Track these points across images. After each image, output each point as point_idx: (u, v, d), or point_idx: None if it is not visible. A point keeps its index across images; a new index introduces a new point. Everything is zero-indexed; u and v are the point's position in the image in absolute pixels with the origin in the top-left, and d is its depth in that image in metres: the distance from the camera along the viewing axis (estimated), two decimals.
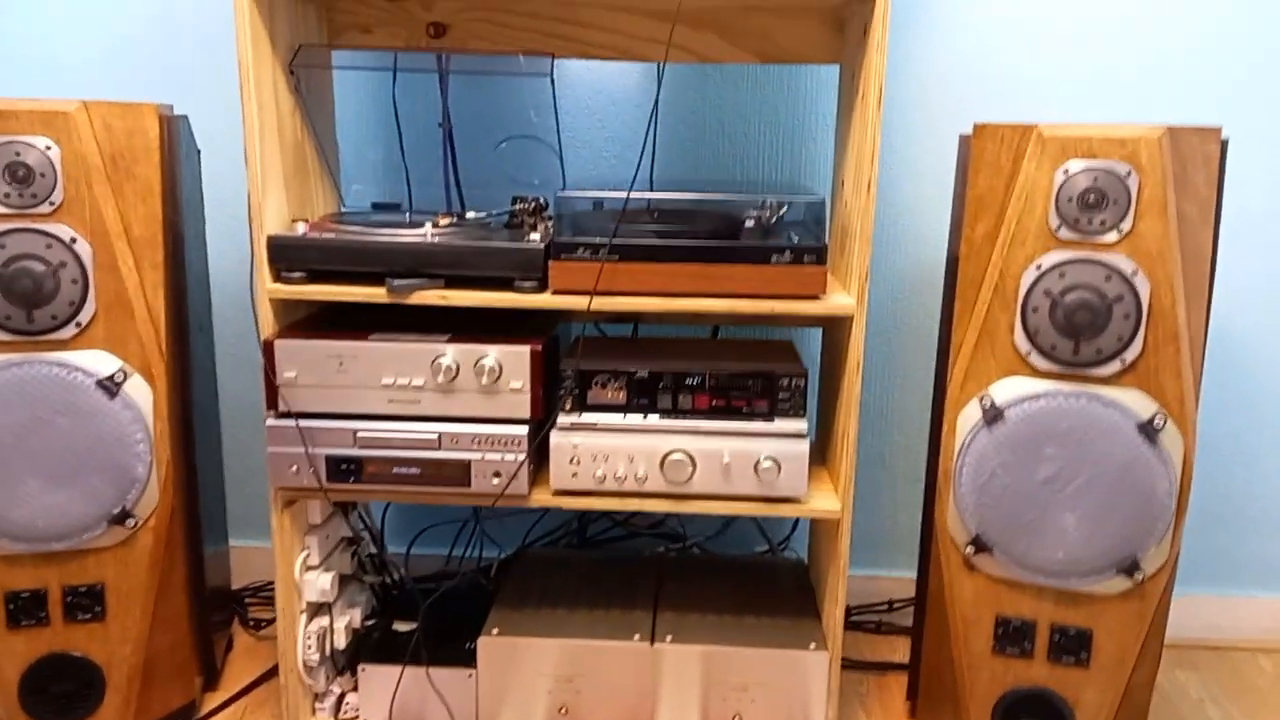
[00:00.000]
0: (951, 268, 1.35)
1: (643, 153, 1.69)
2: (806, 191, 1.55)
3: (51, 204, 1.31)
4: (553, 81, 1.39)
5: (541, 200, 1.57)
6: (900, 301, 1.79)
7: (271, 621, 1.80)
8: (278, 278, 1.40)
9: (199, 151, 1.60)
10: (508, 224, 1.52)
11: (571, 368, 1.41)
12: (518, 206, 1.54)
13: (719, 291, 1.36)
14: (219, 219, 1.79)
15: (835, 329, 1.53)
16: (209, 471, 1.60)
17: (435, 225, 1.41)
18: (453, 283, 1.39)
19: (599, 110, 1.73)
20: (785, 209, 1.39)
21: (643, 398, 1.42)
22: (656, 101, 1.69)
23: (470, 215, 1.44)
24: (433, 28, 1.57)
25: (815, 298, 1.35)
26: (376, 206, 1.65)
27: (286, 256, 1.38)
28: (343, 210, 1.66)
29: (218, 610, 1.67)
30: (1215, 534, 1.83)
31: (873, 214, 1.33)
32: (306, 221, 1.42)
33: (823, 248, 1.34)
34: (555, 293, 1.37)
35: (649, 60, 1.59)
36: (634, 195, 1.38)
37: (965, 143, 1.32)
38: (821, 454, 1.61)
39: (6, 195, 1.30)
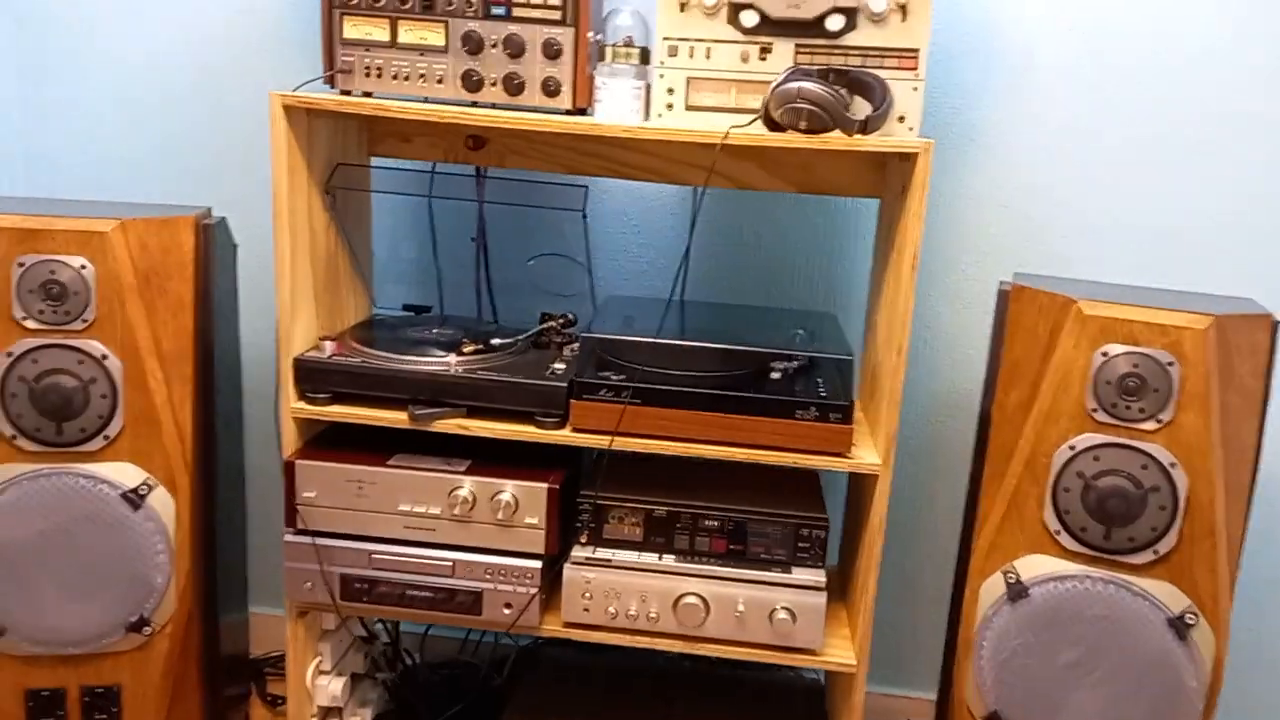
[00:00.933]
0: (983, 429, 1.31)
1: (678, 276, 1.66)
2: (831, 311, 1.52)
3: (84, 321, 1.33)
4: (584, 214, 1.38)
5: (570, 316, 1.56)
6: (935, 424, 1.75)
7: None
8: (302, 397, 1.40)
9: (235, 246, 1.61)
10: (535, 343, 1.50)
11: (589, 501, 1.40)
12: (546, 325, 1.53)
13: (742, 441, 1.34)
14: (255, 297, 1.80)
15: (861, 477, 1.50)
16: (230, 547, 1.61)
17: (460, 353, 1.40)
18: (475, 413, 1.38)
19: (634, 218, 1.71)
20: (808, 359, 1.36)
21: (659, 536, 1.40)
22: (694, 223, 1.67)
23: (496, 341, 1.43)
24: (472, 140, 1.56)
25: (841, 455, 1.32)
26: (408, 309, 1.65)
27: (312, 379, 1.39)
28: (374, 312, 1.66)
29: (234, 683, 1.68)
30: None
31: (902, 375, 1.29)
32: (333, 340, 1.43)
33: (849, 406, 1.31)
34: (576, 430, 1.36)
35: (687, 184, 1.57)
36: (663, 327, 1.36)
37: (1003, 299, 1.28)
38: (841, 589, 1.57)
39: (40, 312, 1.32)
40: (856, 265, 1.70)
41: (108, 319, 1.34)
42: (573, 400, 1.35)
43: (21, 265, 1.31)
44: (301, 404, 1.39)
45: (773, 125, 1.24)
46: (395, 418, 1.37)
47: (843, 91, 1.23)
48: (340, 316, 1.54)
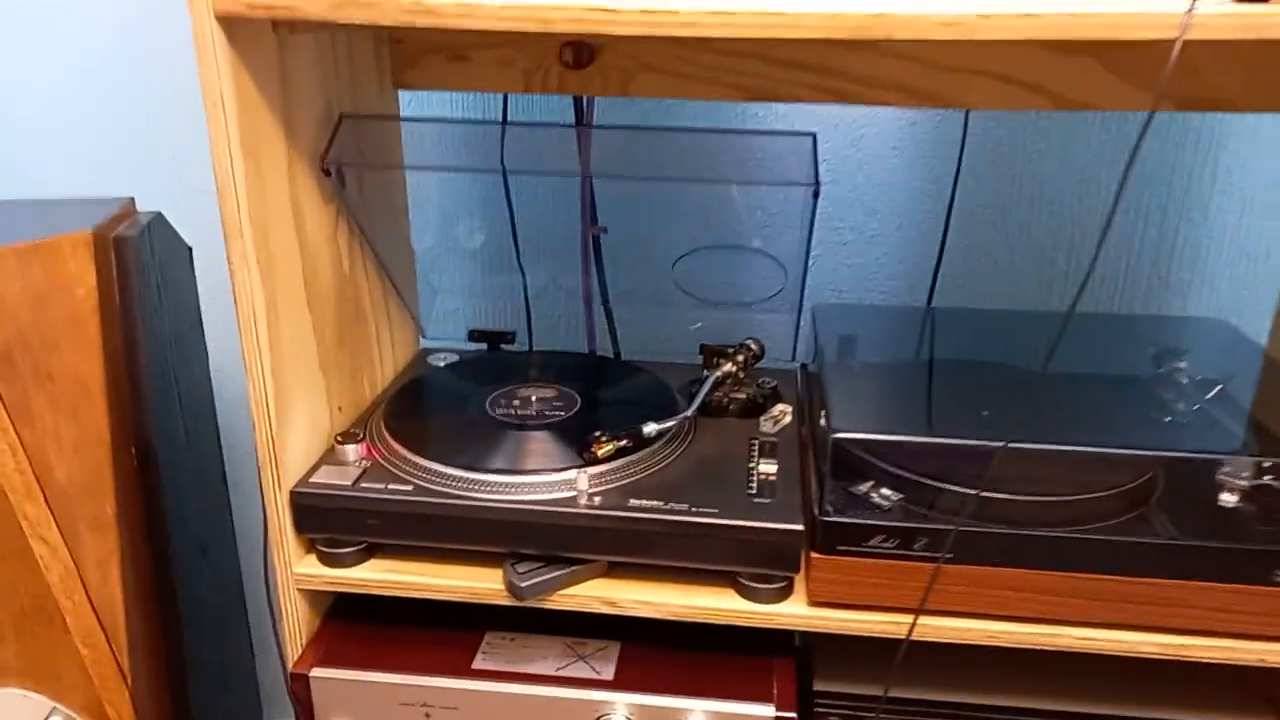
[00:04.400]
0: None
1: (937, 270, 0.99)
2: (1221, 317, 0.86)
3: None
4: (816, 186, 0.72)
5: (754, 346, 0.90)
6: None
7: None
8: (313, 549, 0.78)
9: (189, 250, 0.97)
10: (705, 407, 0.85)
11: None
12: (721, 371, 0.88)
13: (1160, 625, 0.69)
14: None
15: None
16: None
17: (590, 456, 0.76)
18: (623, 569, 0.75)
19: (836, 162, 1.04)
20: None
21: None
22: (957, 172, 0.99)
23: (650, 430, 0.78)
24: (570, 49, 0.89)
25: None
26: (479, 337, 1.00)
27: (327, 523, 0.76)
28: (421, 346, 1.02)
29: None
30: None
31: None
32: (360, 441, 0.79)
33: None
34: (817, 604, 0.73)
35: (944, 106, 0.88)
36: (961, 386, 0.71)
37: None
38: None
39: None
40: (1245, 239, 1.03)
41: None
42: (816, 552, 0.71)
43: None
44: (310, 568, 0.77)
45: None
46: (481, 585, 0.75)
47: None
48: (365, 368, 0.90)
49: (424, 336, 1.02)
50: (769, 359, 0.90)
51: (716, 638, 0.78)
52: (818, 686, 0.81)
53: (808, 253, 0.78)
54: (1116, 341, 0.94)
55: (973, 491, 0.67)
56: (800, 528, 0.71)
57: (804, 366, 0.97)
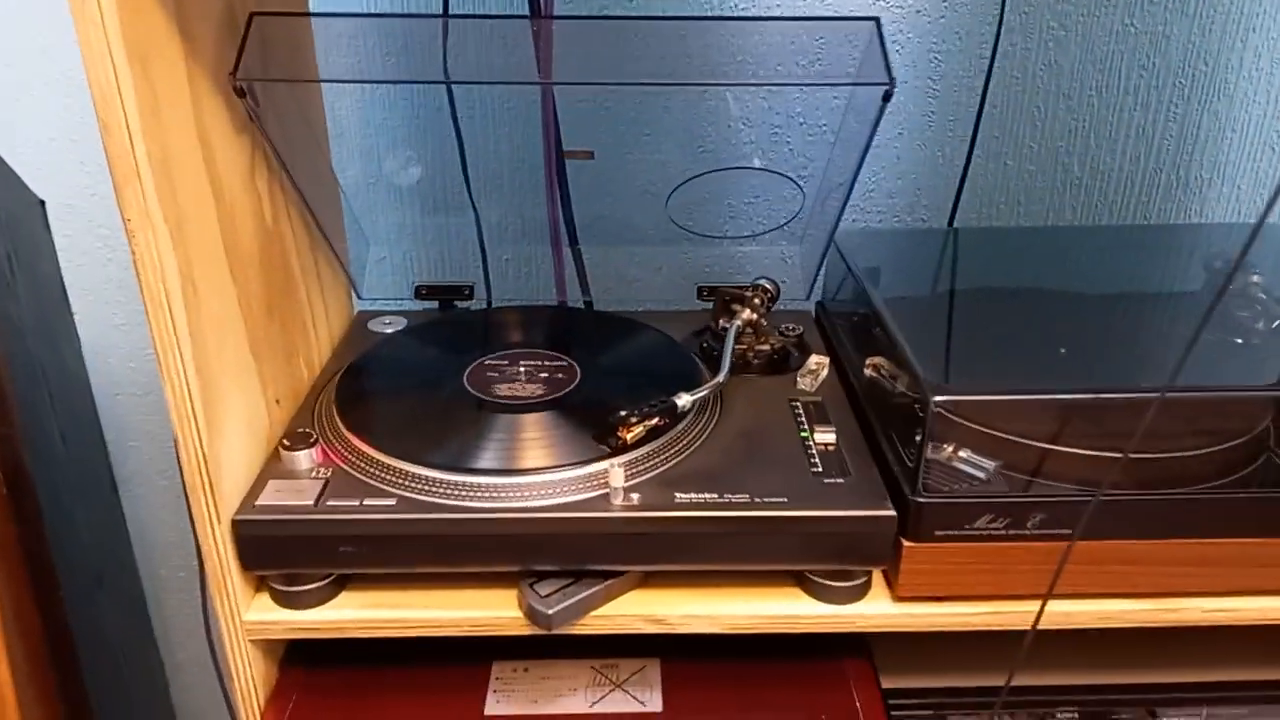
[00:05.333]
0: None
1: (963, 182, 0.86)
2: None
3: None
4: (890, 86, 0.57)
5: (769, 286, 0.76)
6: None
7: None
8: (262, 586, 0.61)
9: (42, 204, 0.76)
10: (738, 364, 0.71)
11: None
12: (740, 319, 0.73)
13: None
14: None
15: None
16: None
17: (620, 442, 0.60)
18: (660, 574, 0.61)
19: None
20: None
21: None
22: (996, 44, 0.86)
23: (685, 400, 0.63)
24: None
25: None
26: (424, 293, 0.82)
27: (284, 557, 0.59)
28: (359, 313, 0.83)
29: None
30: None
31: None
32: (314, 444, 0.61)
33: None
34: (903, 599, 0.60)
35: None
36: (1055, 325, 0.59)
37: None
38: None
39: None
40: (1272, 133, 0.93)
41: None
42: (909, 540, 0.58)
43: None
44: (265, 612, 0.60)
45: None
46: (490, 614, 0.60)
47: None
48: (299, 345, 0.71)
49: (359, 297, 0.83)
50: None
51: (770, 639, 0.65)
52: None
53: (859, 168, 0.63)
54: (1162, 255, 0.84)
55: (1115, 454, 0.55)
56: (892, 513, 0.58)
57: (821, 305, 0.83)
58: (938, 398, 0.56)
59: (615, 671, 0.65)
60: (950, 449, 0.59)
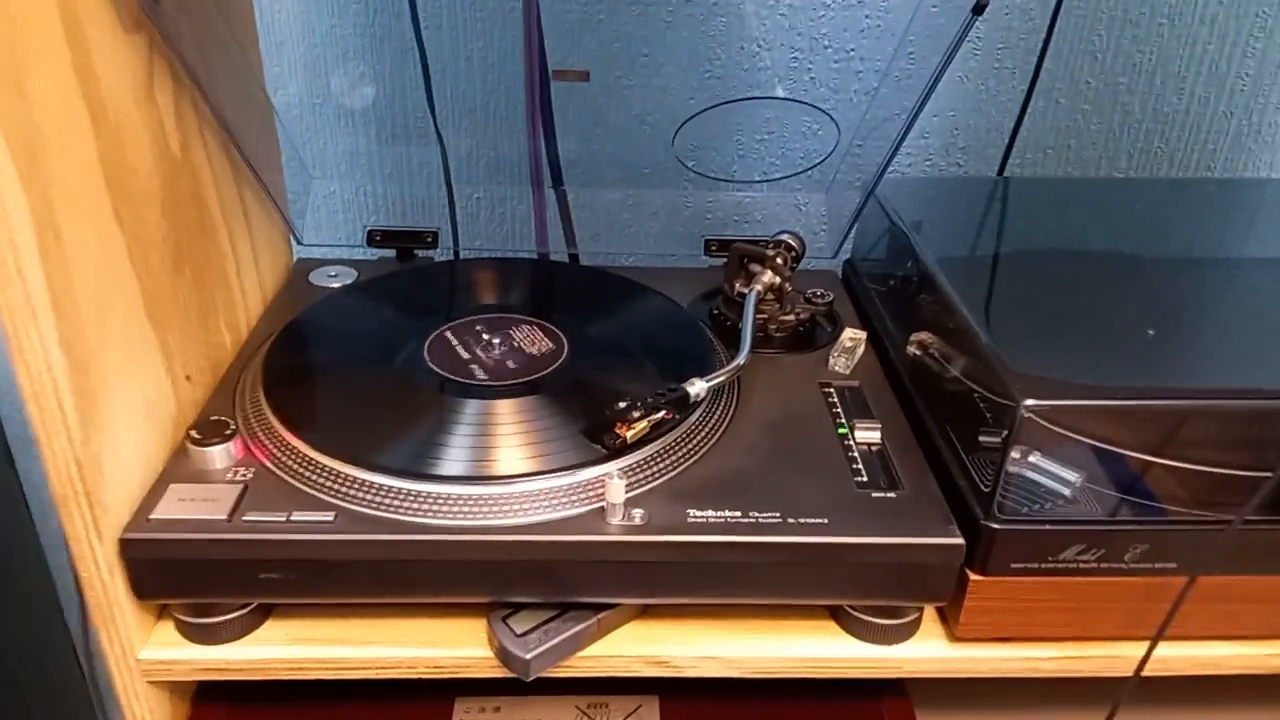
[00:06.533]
0: None
1: (1016, 133, 0.73)
2: None
3: None
4: None
5: (792, 242, 0.63)
6: None
7: None
8: (164, 614, 0.48)
9: None
10: (757, 338, 0.58)
11: None
12: (761, 283, 0.60)
13: None
14: None
15: None
16: None
17: (618, 441, 0.48)
18: (664, 608, 0.49)
19: None
20: None
21: None
22: None
23: (698, 388, 0.50)
24: None
25: None
26: (377, 240, 0.69)
27: (189, 584, 0.46)
28: (299, 261, 0.69)
29: None
30: None
31: None
32: (232, 436, 0.48)
33: None
34: (963, 640, 0.49)
35: None
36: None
37: None
38: None
39: None
40: None
41: None
42: (976, 573, 0.47)
43: None
44: (167, 649, 0.48)
45: None
46: (450, 654, 0.48)
47: None
48: (221, 303, 0.58)
49: (299, 243, 0.69)
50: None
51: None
52: None
53: (922, 103, 0.51)
54: (1237, 213, 0.72)
55: (1262, 473, 0.44)
56: (960, 542, 0.46)
57: (850, 265, 0.71)
58: (1030, 401, 0.44)
59: (605, 713, 0.53)
60: (1021, 458, 0.48)
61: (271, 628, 0.49)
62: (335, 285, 0.65)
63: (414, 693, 0.53)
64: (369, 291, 0.63)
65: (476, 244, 0.76)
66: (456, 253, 0.71)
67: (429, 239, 0.68)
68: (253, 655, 0.47)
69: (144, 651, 0.47)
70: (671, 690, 0.54)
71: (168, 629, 0.48)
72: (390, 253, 0.69)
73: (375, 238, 0.68)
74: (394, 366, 0.54)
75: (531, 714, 0.53)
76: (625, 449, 0.48)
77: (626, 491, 0.46)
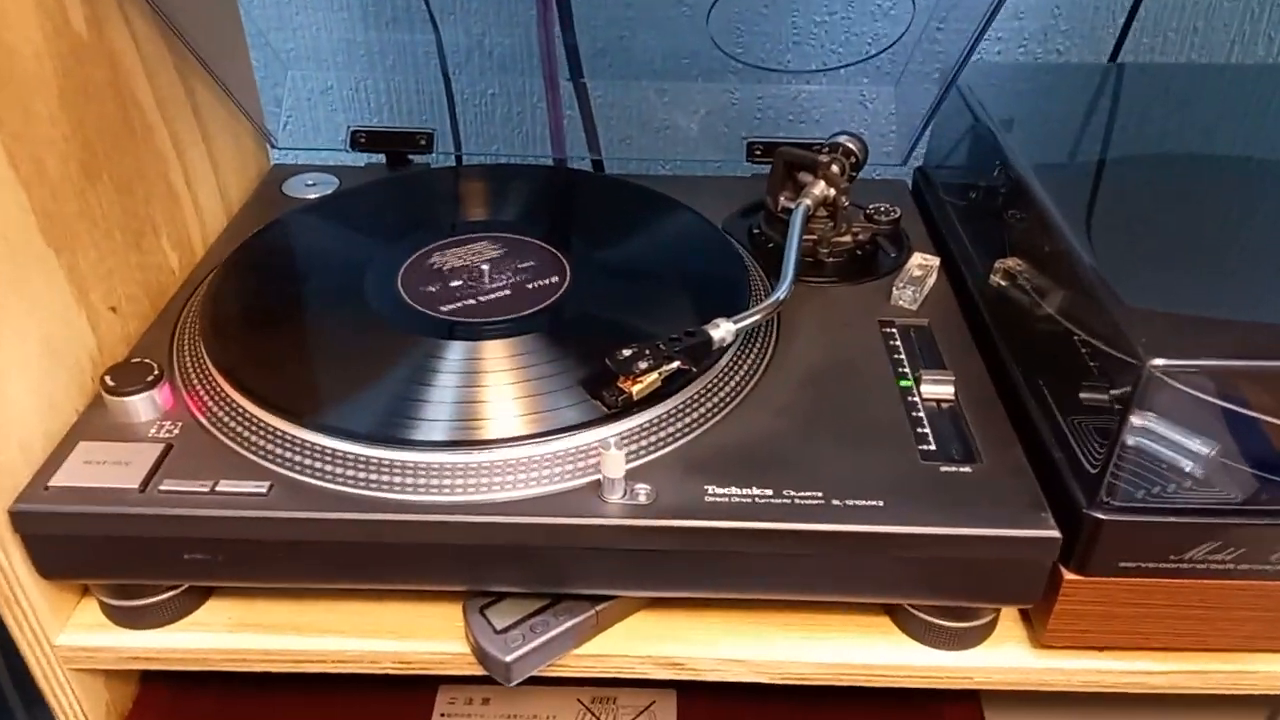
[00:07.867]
0: None
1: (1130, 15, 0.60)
2: None
3: None
4: None
5: (856, 150, 0.52)
6: None
7: None
8: (87, 593, 0.41)
9: None
10: (805, 264, 0.48)
11: None
12: (812, 197, 0.49)
13: None
14: None
15: None
16: None
17: (621, 396, 0.38)
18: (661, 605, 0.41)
19: None
20: None
21: None
22: None
23: (722, 331, 0.40)
24: None
25: None
26: (362, 142, 0.59)
27: (97, 563, 0.38)
28: (274, 166, 0.60)
29: None
30: None
31: None
32: (158, 382, 0.40)
33: None
34: (1049, 648, 0.39)
35: None
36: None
37: None
38: None
39: None
40: None
41: None
42: (1073, 572, 0.37)
43: None
44: (91, 634, 0.40)
45: None
46: (420, 649, 0.40)
47: None
48: (160, 217, 0.49)
49: (273, 146, 0.59)
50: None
51: None
52: None
53: None
54: None
55: None
56: (1056, 534, 0.36)
57: (922, 174, 0.59)
58: (1160, 361, 0.33)
59: (613, 709, 0.45)
60: (1141, 428, 0.37)
61: (212, 609, 0.41)
62: (313, 196, 0.56)
63: (390, 679, 0.45)
64: (340, 206, 0.54)
65: (493, 149, 0.66)
66: (459, 158, 0.61)
67: (422, 141, 0.58)
68: (187, 644, 0.40)
69: (61, 637, 0.40)
70: (690, 684, 0.46)
71: (92, 610, 0.41)
72: (379, 157, 0.59)
73: (360, 139, 0.58)
74: (356, 299, 0.45)
75: (526, 708, 0.45)
76: (630, 407, 0.39)
77: (630, 461, 0.37)
